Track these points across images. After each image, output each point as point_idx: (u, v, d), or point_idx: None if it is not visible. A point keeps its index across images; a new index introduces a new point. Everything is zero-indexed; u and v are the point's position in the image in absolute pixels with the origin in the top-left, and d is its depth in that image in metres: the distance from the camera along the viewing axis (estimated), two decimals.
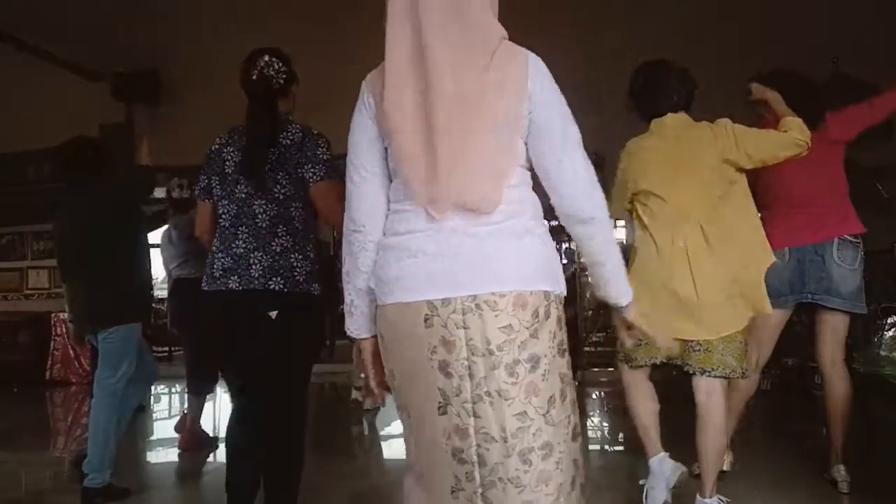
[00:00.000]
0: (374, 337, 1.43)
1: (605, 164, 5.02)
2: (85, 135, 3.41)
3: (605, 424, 4.69)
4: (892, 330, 3.16)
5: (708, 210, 2.38)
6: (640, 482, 2.69)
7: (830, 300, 2.76)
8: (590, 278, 1.35)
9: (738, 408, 2.97)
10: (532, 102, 1.34)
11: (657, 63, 2.67)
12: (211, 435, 4.06)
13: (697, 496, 2.51)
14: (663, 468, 2.56)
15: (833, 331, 2.86)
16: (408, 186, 1.30)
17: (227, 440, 2.33)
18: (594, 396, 5.45)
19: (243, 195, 2.27)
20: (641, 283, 2.34)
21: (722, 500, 2.52)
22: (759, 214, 2.66)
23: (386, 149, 1.36)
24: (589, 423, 4.70)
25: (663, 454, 2.57)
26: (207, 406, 4.14)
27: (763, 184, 2.75)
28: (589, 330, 6.31)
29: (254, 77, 2.37)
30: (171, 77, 8.24)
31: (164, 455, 4.15)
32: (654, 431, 2.58)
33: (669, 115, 2.54)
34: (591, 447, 4.14)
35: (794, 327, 4.99)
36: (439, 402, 1.27)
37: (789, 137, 2.46)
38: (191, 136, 8.02)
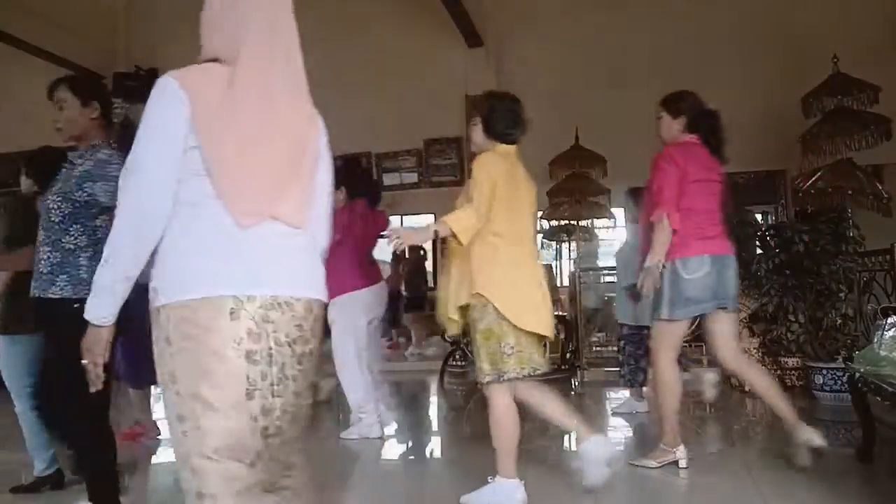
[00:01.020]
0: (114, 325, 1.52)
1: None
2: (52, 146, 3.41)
3: (604, 424, 4.68)
4: (892, 330, 3.15)
5: (532, 228, 2.92)
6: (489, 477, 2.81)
7: (731, 303, 3.22)
8: None
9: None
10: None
11: (514, 98, 2.95)
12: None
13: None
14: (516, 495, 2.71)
15: (732, 329, 3.32)
16: (226, 194, 1.40)
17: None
18: (593, 396, 5.44)
19: None
20: (515, 285, 2.67)
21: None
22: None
23: (192, 149, 1.41)
24: (588, 423, 4.69)
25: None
26: None
27: (685, 191, 3.12)
28: (589, 330, 6.31)
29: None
30: None
31: (163, 454, 4.16)
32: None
33: (514, 146, 2.91)
34: None
35: (794, 328, 5.01)
36: (247, 388, 1.38)
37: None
38: None
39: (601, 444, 2.78)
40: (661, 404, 3.24)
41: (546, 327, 2.70)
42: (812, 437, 3.01)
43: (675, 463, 3.19)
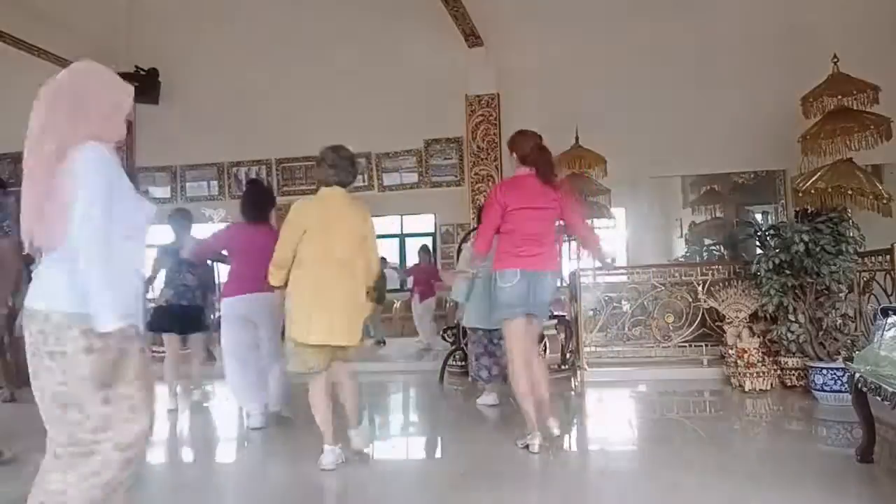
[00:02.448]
0: None
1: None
2: None
3: (603, 424, 4.69)
4: (892, 330, 3.15)
5: (348, 255, 3.44)
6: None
7: (539, 310, 3.80)
8: None
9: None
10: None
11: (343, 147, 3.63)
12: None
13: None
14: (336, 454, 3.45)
15: (536, 331, 3.93)
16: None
17: None
18: (593, 396, 5.44)
19: None
20: (309, 300, 3.36)
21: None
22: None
23: None
24: (588, 423, 4.70)
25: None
26: None
27: (507, 219, 3.67)
28: (589, 330, 6.31)
29: None
30: (171, 77, 8.24)
31: None
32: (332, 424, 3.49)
33: (337, 188, 3.55)
34: (590, 447, 4.14)
35: (794, 328, 5.01)
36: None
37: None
38: (191, 136, 8.07)
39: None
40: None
41: (329, 334, 3.36)
42: (553, 428, 3.70)
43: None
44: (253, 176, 8.24)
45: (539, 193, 3.69)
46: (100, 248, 1.82)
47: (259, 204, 4.68)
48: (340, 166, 3.54)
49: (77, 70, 2.11)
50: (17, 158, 8.72)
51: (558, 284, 3.91)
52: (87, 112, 2.00)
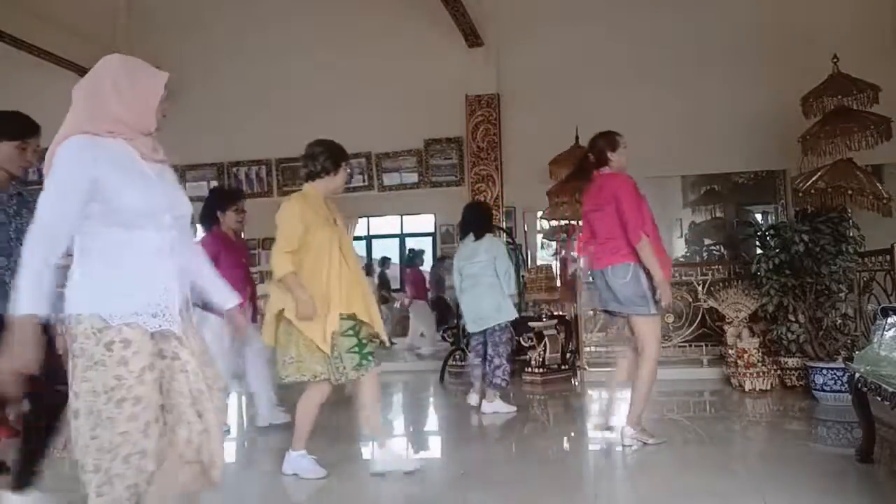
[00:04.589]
0: None
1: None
2: None
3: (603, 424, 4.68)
4: (892, 330, 3.15)
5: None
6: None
7: (614, 306, 3.69)
8: None
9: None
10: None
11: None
12: None
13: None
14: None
15: (630, 328, 3.74)
16: None
17: None
18: (593, 396, 5.44)
19: None
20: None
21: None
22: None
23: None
24: (588, 423, 4.70)
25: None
26: None
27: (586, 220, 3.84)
28: (589, 330, 6.31)
29: None
30: (171, 77, 8.22)
31: None
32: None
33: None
34: (590, 447, 4.14)
35: (794, 328, 5.00)
36: None
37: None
38: (191, 136, 8.06)
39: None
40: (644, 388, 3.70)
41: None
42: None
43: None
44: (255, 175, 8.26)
45: (594, 192, 3.83)
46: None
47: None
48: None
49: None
50: None
51: (625, 277, 3.63)
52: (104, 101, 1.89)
